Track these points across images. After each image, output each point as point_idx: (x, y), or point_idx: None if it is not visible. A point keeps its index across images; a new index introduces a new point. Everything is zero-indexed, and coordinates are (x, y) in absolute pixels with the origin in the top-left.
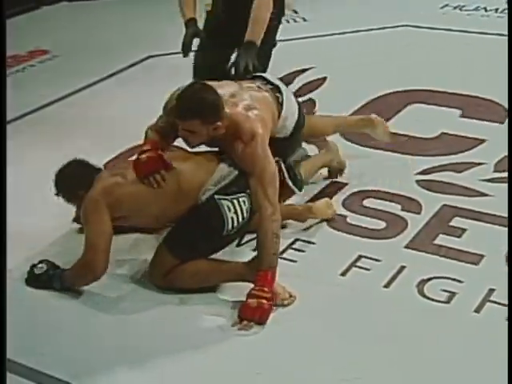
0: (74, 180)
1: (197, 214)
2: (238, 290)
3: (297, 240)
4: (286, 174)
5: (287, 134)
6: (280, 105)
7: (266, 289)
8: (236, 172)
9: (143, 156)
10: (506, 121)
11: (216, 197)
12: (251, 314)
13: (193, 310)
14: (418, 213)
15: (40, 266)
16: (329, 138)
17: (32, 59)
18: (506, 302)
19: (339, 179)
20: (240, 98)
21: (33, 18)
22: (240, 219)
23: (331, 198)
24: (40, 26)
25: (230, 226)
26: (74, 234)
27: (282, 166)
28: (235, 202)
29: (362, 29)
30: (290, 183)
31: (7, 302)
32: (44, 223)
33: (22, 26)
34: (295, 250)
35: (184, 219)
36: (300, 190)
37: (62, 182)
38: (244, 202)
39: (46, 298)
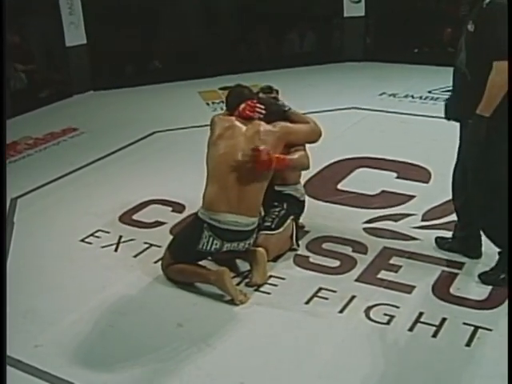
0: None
1: (189, 230)
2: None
3: (271, 276)
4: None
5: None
6: None
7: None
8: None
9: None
10: (431, 180)
11: (205, 225)
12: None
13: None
14: (365, 253)
15: None
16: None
17: (65, 135)
18: (432, 322)
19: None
20: None
21: (67, 103)
22: (208, 249)
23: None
24: (72, 109)
25: (201, 247)
26: None
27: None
28: (215, 241)
29: (322, 109)
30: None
31: None
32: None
33: (58, 110)
34: (270, 284)
35: (182, 230)
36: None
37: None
38: (217, 244)
39: None
